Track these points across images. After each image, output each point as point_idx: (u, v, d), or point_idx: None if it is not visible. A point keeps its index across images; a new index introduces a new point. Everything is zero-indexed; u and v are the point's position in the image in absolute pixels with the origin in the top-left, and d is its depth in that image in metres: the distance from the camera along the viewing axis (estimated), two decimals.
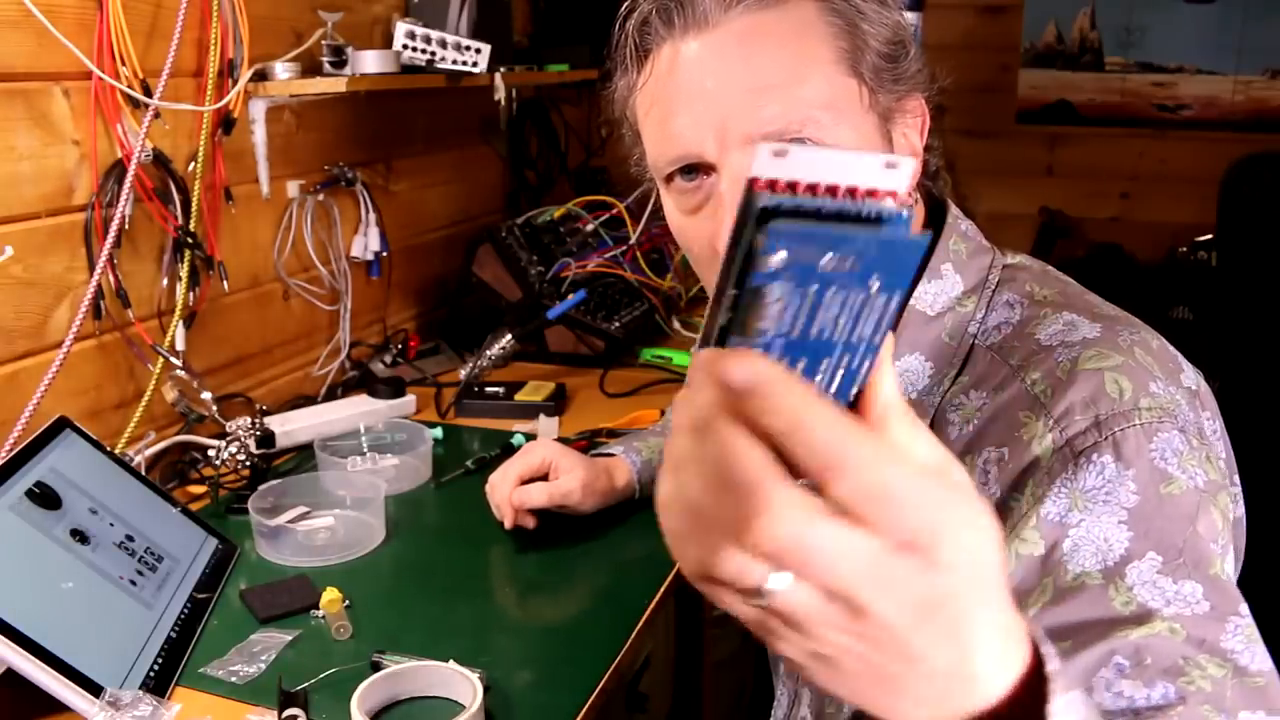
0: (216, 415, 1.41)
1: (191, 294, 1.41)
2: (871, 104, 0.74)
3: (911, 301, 0.80)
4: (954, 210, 0.84)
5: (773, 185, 0.36)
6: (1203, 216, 2.69)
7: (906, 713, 0.38)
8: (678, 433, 0.38)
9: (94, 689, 0.89)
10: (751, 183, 0.36)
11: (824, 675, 0.38)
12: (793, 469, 0.36)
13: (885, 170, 0.36)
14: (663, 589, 1.12)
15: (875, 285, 0.36)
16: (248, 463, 1.37)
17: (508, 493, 1.19)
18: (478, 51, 1.71)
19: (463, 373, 1.71)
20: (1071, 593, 0.63)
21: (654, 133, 0.77)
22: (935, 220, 0.84)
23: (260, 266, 1.59)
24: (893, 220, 0.36)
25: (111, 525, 1.05)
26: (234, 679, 0.96)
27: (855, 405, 0.39)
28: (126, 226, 1.29)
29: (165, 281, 1.39)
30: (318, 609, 1.06)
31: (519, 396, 1.64)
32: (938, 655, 0.37)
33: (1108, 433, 0.66)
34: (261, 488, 1.26)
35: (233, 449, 1.37)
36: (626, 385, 1.75)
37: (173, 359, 1.37)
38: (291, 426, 1.48)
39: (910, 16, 1.59)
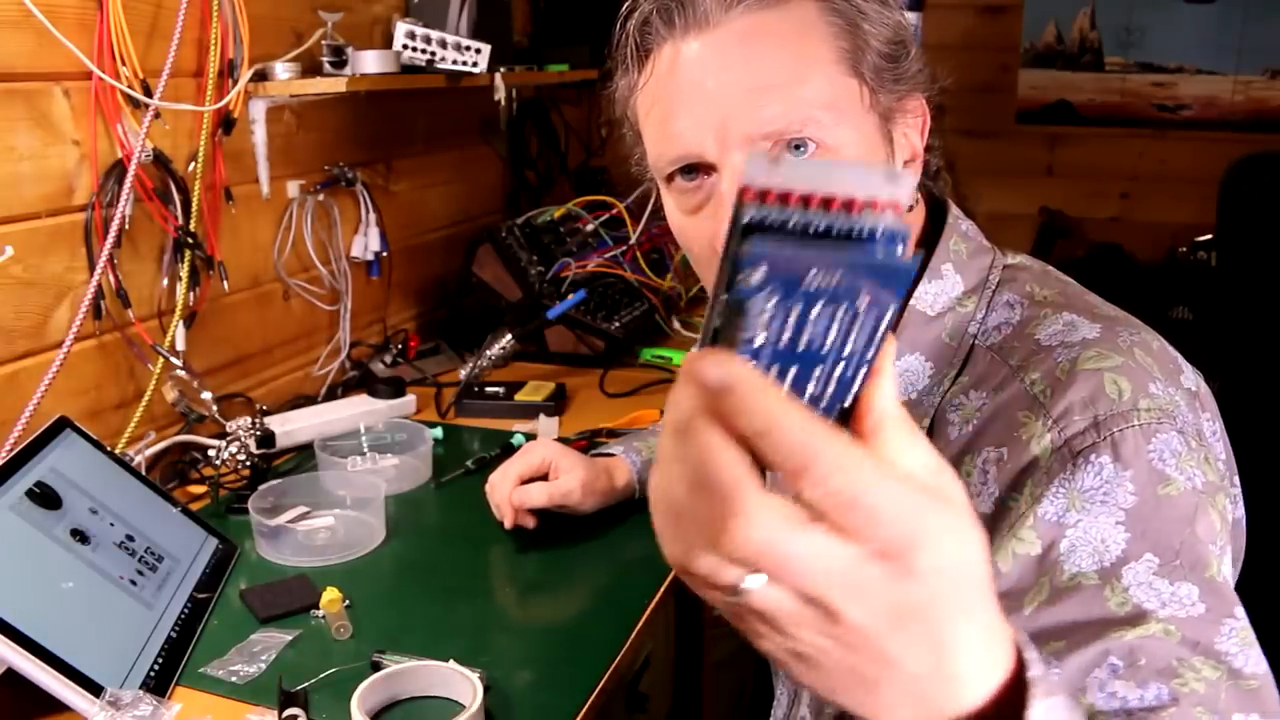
0: (217, 415, 1.41)
1: (192, 294, 1.41)
2: (872, 104, 0.74)
3: (912, 301, 0.80)
4: (954, 210, 0.84)
5: (763, 196, 0.35)
6: (1203, 216, 2.69)
7: (885, 713, 0.38)
8: (664, 431, 0.39)
9: (94, 689, 0.89)
10: (742, 193, 0.35)
11: (802, 672, 0.39)
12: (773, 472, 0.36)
13: (885, 182, 0.35)
14: (663, 589, 1.12)
15: (864, 303, 0.36)
16: (248, 463, 1.37)
17: (508, 492, 1.19)
18: (478, 51, 1.71)
19: (463, 373, 1.71)
20: (1067, 593, 0.63)
21: (655, 133, 0.77)
22: (935, 220, 0.84)
23: (260, 266, 1.59)
24: (884, 239, 0.35)
25: (112, 525, 1.05)
26: (234, 679, 0.96)
27: (852, 412, 0.39)
28: (127, 226, 1.29)
29: (165, 281, 1.39)
30: (318, 609, 1.06)
31: (519, 396, 1.64)
32: (913, 660, 0.37)
33: (1106, 433, 0.66)
34: (262, 488, 1.26)
35: (233, 449, 1.37)
36: (626, 385, 1.75)
37: (173, 359, 1.37)
38: (291, 426, 1.48)
39: (910, 16, 1.59)
